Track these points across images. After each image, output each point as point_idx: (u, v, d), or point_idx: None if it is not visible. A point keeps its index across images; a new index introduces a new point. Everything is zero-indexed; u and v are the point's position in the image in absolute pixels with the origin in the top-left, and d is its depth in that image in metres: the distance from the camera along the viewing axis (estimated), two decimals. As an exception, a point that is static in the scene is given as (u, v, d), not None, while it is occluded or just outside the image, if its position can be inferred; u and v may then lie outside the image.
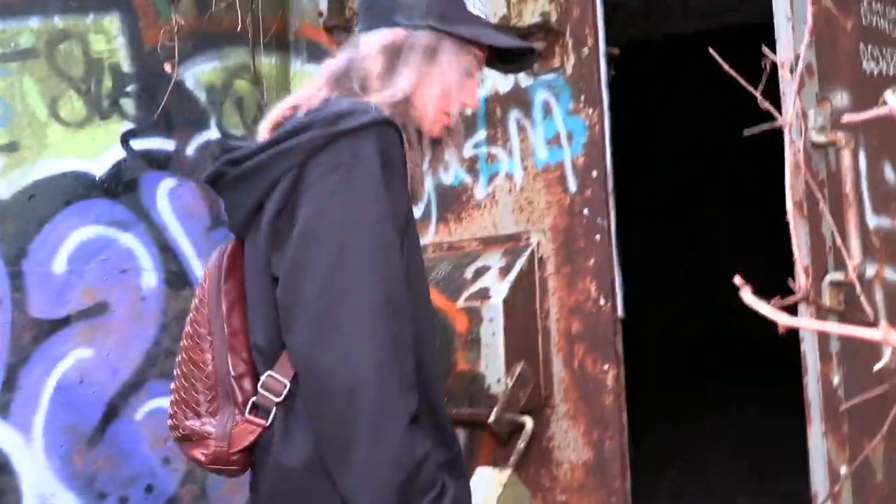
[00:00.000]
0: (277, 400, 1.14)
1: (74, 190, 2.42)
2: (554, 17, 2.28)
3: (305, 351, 1.07)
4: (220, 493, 2.58)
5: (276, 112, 1.25)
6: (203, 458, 1.19)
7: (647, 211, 7.04)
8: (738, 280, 0.76)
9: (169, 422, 1.25)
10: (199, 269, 2.64)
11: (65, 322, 2.36)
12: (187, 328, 1.26)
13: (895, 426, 1.70)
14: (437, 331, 1.33)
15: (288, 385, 1.14)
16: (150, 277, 2.54)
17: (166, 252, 2.58)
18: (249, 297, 1.21)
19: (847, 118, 0.53)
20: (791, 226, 0.93)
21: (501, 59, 1.40)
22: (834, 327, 0.51)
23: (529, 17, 2.34)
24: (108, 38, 2.53)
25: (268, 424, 1.15)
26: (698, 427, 5.35)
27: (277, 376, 1.14)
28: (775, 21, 1.76)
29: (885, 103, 0.50)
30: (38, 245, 2.34)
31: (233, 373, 1.18)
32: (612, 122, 2.21)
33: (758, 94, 1.44)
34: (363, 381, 1.03)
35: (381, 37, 1.25)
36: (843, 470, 1.61)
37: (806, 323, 0.56)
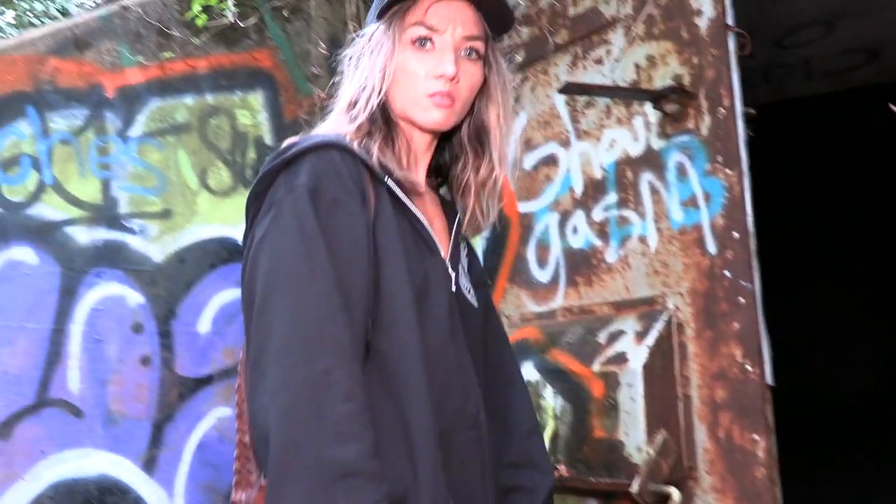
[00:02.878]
0: None
1: (219, 254, 2.55)
2: (687, 80, 2.27)
3: (247, 398, 0.99)
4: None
5: None
6: None
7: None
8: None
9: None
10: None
11: (207, 381, 2.46)
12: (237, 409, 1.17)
13: None
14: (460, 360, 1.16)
15: None
16: (286, 339, 2.61)
17: (301, 314, 2.65)
18: None
19: None
20: None
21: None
22: None
23: (660, 80, 2.33)
24: (253, 112, 2.70)
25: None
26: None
27: None
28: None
29: None
30: (186, 307, 2.46)
31: None
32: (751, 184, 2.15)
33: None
34: (269, 430, 0.90)
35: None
36: None
37: None
